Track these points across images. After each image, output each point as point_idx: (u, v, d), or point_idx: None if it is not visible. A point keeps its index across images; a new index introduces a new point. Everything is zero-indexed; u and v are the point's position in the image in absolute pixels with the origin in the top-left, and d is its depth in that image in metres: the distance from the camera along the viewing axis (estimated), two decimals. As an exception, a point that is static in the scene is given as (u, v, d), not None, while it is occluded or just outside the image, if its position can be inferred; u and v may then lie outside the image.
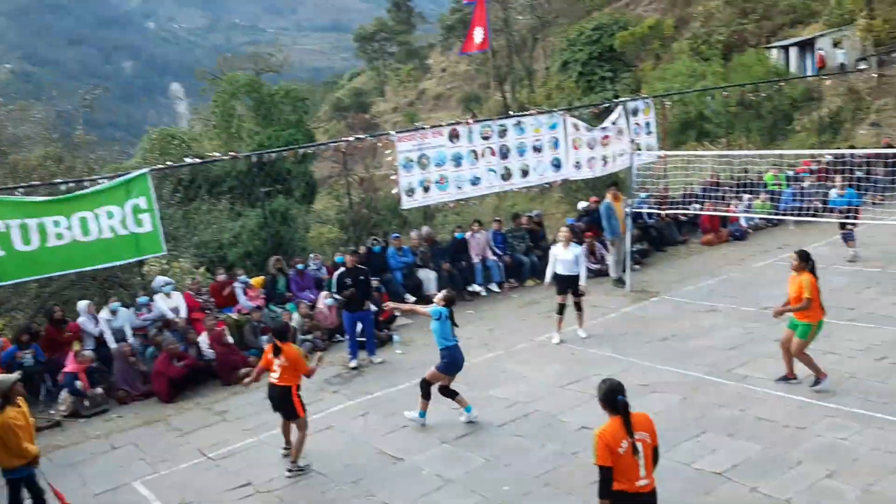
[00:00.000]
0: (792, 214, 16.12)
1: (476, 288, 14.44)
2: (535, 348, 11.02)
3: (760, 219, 17.59)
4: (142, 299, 12.04)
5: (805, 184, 17.90)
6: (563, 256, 10.91)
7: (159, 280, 12.46)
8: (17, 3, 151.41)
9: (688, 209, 16.62)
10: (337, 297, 11.43)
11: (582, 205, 17.23)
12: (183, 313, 12.05)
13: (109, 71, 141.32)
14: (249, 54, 61.34)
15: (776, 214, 17.41)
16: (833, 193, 14.45)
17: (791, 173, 19.16)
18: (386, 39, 66.55)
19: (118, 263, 12.20)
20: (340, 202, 22.08)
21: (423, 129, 15.12)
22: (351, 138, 15.64)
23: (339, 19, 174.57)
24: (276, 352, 7.81)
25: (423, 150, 14.37)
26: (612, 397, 4.87)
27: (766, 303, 11.66)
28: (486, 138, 15.12)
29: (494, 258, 14.78)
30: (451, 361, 8.48)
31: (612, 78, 38.40)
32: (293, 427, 7.96)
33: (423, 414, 8.64)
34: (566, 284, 10.93)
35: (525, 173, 15.71)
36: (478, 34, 15.77)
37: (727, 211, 16.81)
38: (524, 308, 13.33)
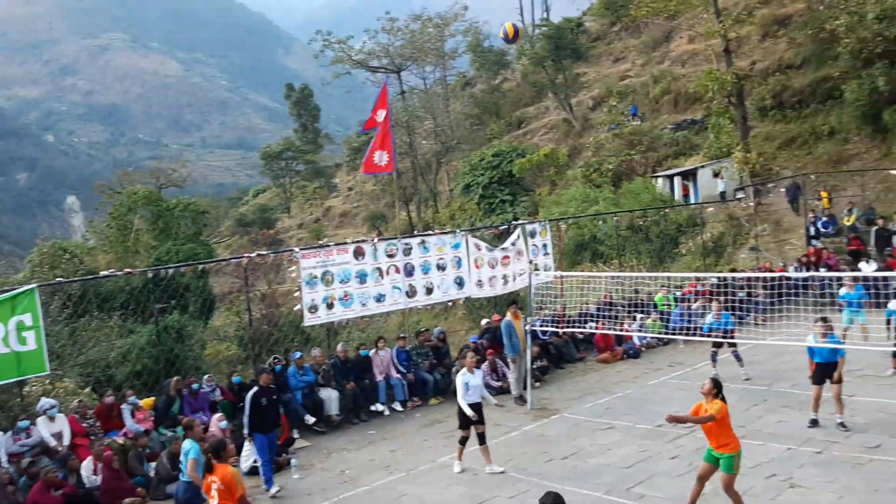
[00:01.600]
0: (681, 333, 16.87)
1: (379, 407, 14.22)
2: (437, 470, 10.85)
3: (652, 337, 18.31)
4: (22, 423, 11.25)
5: (694, 304, 18.83)
6: (475, 382, 10.71)
7: (44, 402, 11.69)
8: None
9: (584, 327, 17.17)
10: (246, 419, 10.72)
11: (484, 322, 17.53)
12: (66, 439, 11.33)
13: (2, 183, 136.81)
14: (151, 169, 60.80)
15: (667, 333, 18.20)
16: (709, 318, 15.05)
17: (679, 294, 20.17)
18: (293, 158, 67.18)
19: (-4, 384, 11.44)
20: (240, 318, 21.59)
21: (328, 246, 15.23)
22: (253, 254, 15.55)
23: (245, 137, 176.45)
24: (209, 469, 7.41)
25: (328, 266, 14.42)
26: None
27: (661, 420, 12.00)
28: (391, 256, 15.35)
29: (398, 376, 14.70)
30: None
31: (511, 201, 40.07)
32: None
33: None
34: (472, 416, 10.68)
35: (429, 291, 15.95)
36: (381, 157, 16.23)
37: (621, 330, 17.44)
38: (428, 428, 13.18)
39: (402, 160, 45.12)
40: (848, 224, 24.33)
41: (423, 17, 51.82)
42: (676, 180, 33.88)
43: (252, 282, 18.96)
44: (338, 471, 11.24)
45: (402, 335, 15.75)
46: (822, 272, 20.01)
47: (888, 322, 13.80)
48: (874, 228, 23.04)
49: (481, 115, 53.07)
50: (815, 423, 11.06)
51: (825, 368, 10.98)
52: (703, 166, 33.00)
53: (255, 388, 10.89)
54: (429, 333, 16.43)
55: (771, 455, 10.11)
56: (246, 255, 16.28)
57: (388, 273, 15.22)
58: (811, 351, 11.16)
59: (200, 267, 14.99)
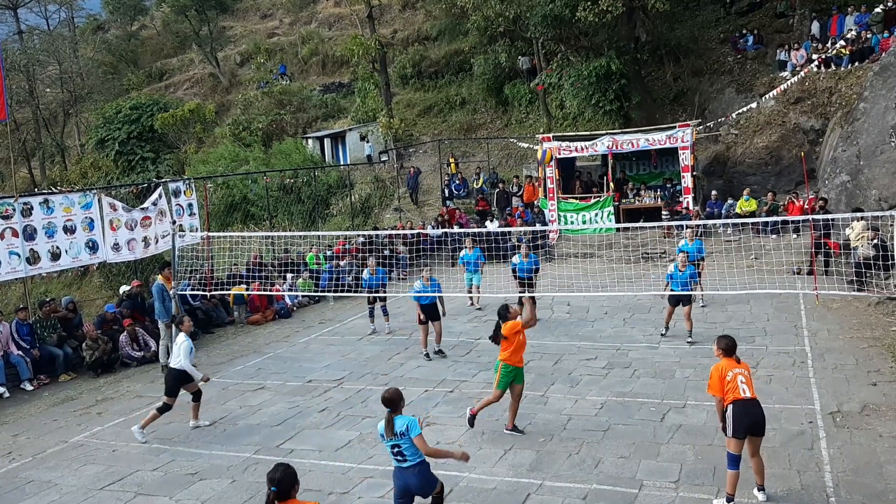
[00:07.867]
0: (331, 291, 17.37)
1: (-2, 389, 12.52)
2: (70, 450, 9.85)
3: (304, 296, 18.58)
4: None
5: (343, 262, 19.46)
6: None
7: None
8: None
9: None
10: None
11: (124, 289, 16.29)
12: None
13: None
14: None
15: (318, 291, 18.62)
16: (365, 273, 15.80)
17: (330, 253, 20.70)
18: None
19: None
20: None
21: (-79, 207, 12.83)
22: None
23: None
24: None
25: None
26: None
27: (311, 376, 12.28)
28: (5, 217, 13.43)
29: (20, 353, 13.02)
30: None
31: (154, 159, 37.53)
32: None
33: None
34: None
35: (56, 256, 14.29)
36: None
37: (272, 290, 17.41)
38: (58, 406, 11.90)
39: (22, 109, 39.70)
40: (477, 187, 26.98)
41: (43, -52, 45.55)
42: (327, 141, 34.53)
43: None
44: (-57, 467, 9.65)
45: (22, 307, 13.95)
46: (456, 229, 21.98)
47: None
48: (496, 191, 25.88)
49: (116, 64, 48.70)
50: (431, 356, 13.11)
51: (428, 310, 13.10)
52: (351, 129, 34.05)
53: None
54: (56, 304, 14.84)
55: (410, 398, 10.85)
56: None
57: (2, 237, 13.31)
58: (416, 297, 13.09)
59: None
